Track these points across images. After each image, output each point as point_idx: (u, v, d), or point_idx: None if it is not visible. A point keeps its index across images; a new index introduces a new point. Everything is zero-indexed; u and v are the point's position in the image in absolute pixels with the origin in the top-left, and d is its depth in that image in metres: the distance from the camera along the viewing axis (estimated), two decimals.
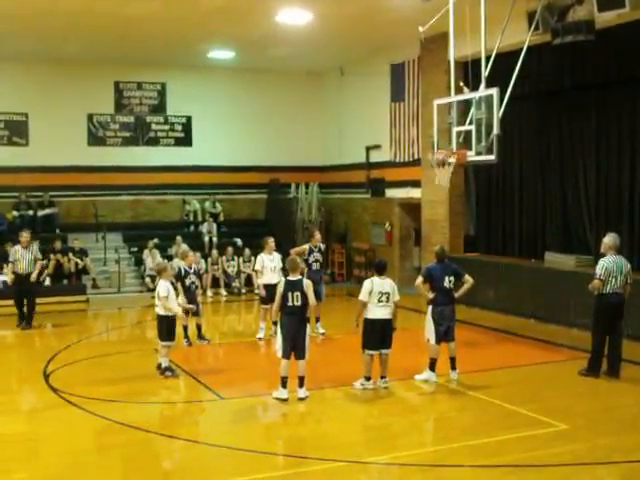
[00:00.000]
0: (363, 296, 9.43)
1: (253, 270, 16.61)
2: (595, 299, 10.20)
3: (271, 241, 13.25)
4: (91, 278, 19.21)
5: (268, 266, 13.00)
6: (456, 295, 10.09)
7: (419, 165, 18.48)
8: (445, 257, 10.19)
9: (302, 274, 9.72)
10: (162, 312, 10.43)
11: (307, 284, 9.15)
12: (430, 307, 10.03)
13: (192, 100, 22.23)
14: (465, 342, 11.76)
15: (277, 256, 13.16)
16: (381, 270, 9.62)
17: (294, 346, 9.07)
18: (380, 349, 9.55)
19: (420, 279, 10.02)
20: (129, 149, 21.77)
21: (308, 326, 9.27)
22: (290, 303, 9.03)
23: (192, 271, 12.61)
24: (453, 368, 10.09)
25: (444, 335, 9.96)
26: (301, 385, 9.20)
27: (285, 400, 9.07)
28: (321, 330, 13.54)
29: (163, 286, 10.43)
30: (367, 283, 9.49)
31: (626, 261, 10.24)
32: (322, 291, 13.52)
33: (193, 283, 12.57)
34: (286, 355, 9.08)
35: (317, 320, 13.59)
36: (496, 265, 16.17)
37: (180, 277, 12.49)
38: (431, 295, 9.97)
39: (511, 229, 17.30)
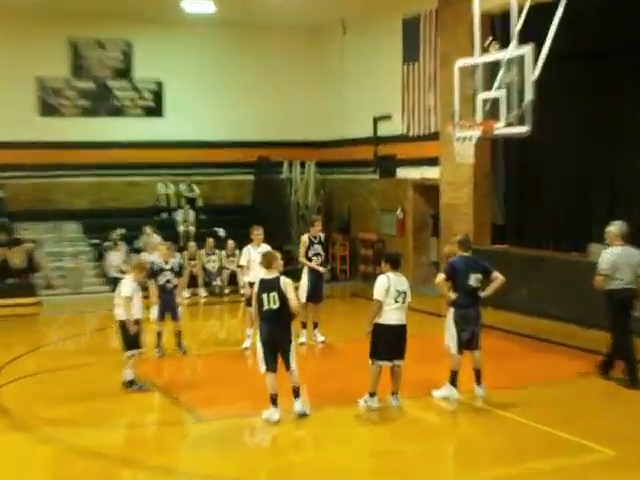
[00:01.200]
0: (379, 294, 9.40)
1: (238, 266, 16.57)
2: (605, 297, 10.44)
3: (258, 231, 13.25)
4: (44, 276, 19.20)
5: (256, 260, 12.98)
6: (482, 295, 10.07)
7: (437, 139, 18.44)
8: (470, 249, 10.19)
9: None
10: (124, 316, 10.42)
11: (286, 283, 9.13)
12: (451, 309, 10.03)
13: (164, 62, 22.16)
14: (492, 351, 11.75)
15: (267, 249, 13.11)
16: (396, 264, 9.62)
17: (277, 356, 9.09)
18: (393, 360, 9.56)
19: (442, 276, 10.01)
20: (89, 121, 21.70)
21: (292, 331, 9.29)
22: (266, 306, 9.05)
23: (169, 267, 12.60)
24: (478, 383, 10.08)
25: (468, 343, 9.96)
26: (297, 396, 9.23)
27: (277, 422, 9.06)
28: (320, 337, 13.54)
29: (128, 285, 10.42)
30: (383, 279, 9.47)
31: (637, 251, 10.35)
32: (322, 291, 13.51)
33: (169, 282, 12.56)
34: (270, 368, 9.08)
35: (315, 326, 13.59)
36: (529, 259, 16.17)
37: (153, 273, 12.48)
38: (453, 295, 9.96)
39: (548, 216, 17.27)
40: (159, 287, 12.51)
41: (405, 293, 9.49)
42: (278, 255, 9.49)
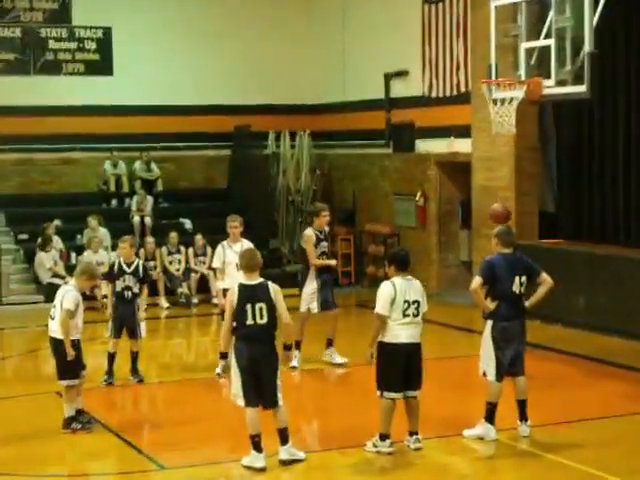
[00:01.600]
0: (382, 308, 9.40)
1: (210, 268, 16.56)
2: None
3: (235, 222, 13.25)
4: None
5: (232, 262, 13.02)
6: (527, 304, 10.10)
7: (467, 102, 18.45)
8: (513, 245, 10.22)
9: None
10: (60, 334, 10.38)
11: (276, 291, 9.16)
12: (489, 322, 10.05)
13: (113, 4, 22.14)
14: (540, 377, 11.76)
15: (247, 245, 13.15)
16: (405, 265, 9.61)
17: (259, 389, 9.06)
18: (406, 390, 9.56)
19: (478, 280, 10.00)
20: (14, 80, 21.67)
21: (279, 357, 9.28)
22: (250, 321, 9.04)
23: (130, 270, 12.63)
24: (523, 418, 10.09)
25: (509, 366, 9.99)
26: (284, 441, 9.22)
27: (261, 469, 9.07)
28: (338, 359, 13.58)
29: (72, 295, 10.41)
30: (386, 288, 9.46)
31: None
32: (330, 297, 13.59)
33: (128, 289, 12.58)
34: (252, 402, 9.09)
35: (330, 344, 13.68)
36: (589, 258, 16.18)
37: (111, 276, 12.51)
38: (491, 305, 10.00)
39: (614, 203, 17.29)
40: (116, 295, 12.50)
41: (418, 303, 9.49)
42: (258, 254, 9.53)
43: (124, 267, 12.64)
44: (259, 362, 9.07)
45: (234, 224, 13.26)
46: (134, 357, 12.86)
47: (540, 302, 10.18)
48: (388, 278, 9.61)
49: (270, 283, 9.22)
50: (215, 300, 15.98)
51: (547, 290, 10.10)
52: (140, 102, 22.33)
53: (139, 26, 22.39)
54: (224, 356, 9.13)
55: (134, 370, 12.88)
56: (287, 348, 13.41)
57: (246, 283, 9.18)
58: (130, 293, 12.58)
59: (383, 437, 9.54)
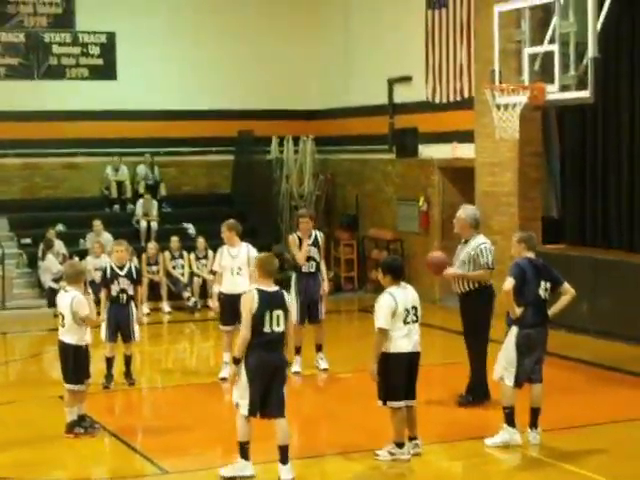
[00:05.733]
0: (384, 322, 9.37)
1: (210, 272, 16.53)
2: None
3: (229, 226, 13.19)
4: None
5: (228, 266, 13.01)
6: (550, 313, 10.16)
7: (471, 107, 18.43)
8: (535, 249, 10.28)
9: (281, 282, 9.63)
10: (73, 340, 10.38)
11: (289, 299, 9.18)
12: (514, 329, 10.03)
13: (116, 9, 22.12)
14: (546, 383, 11.72)
15: (245, 250, 13.12)
16: (399, 273, 9.64)
17: (265, 398, 8.96)
18: (405, 399, 9.53)
19: (512, 281, 9.91)
20: (18, 84, 21.66)
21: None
22: (267, 329, 8.94)
23: (124, 272, 12.60)
24: (533, 425, 10.08)
25: (530, 373, 10.01)
26: (284, 460, 9.02)
27: (251, 477, 8.97)
28: (323, 364, 13.55)
29: (83, 300, 10.37)
30: (386, 301, 9.42)
31: None
32: (321, 307, 13.50)
33: (124, 292, 12.55)
34: (254, 412, 8.97)
35: (319, 349, 13.60)
36: (593, 263, 16.13)
37: (105, 281, 12.47)
38: (518, 310, 9.97)
39: (618, 209, 17.26)
40: (111, 299, 12.47)
41: (416, 309, 9.53)
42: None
43: (117, 270, 12.61)
44: (274, 370, 8.96)
45: (228, 226, 13.21)
46: (127, 360, 12.86)
47: (562, 312, 10.23)
48: (383, 289, 9.59)
49: (284, 291, 9.21)
50: (210, 303, 16.02)
51: (570, 300, 10.18)
52: (144, 107, 22.31)
53: (142, 31, 22.38)
54: (236, 362, 9.00)
55: (127, 374, 12.84)
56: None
57: (264, 289, 9.02)
58: (125, 296, 12.57)
59: (400, 445, 9.53)
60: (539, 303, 9.97)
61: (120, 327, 12.63)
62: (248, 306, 8.91)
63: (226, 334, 13.13)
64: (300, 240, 13.49)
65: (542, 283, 9.98)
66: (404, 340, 9.41)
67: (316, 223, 13.97)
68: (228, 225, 13.28)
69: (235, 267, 12.99)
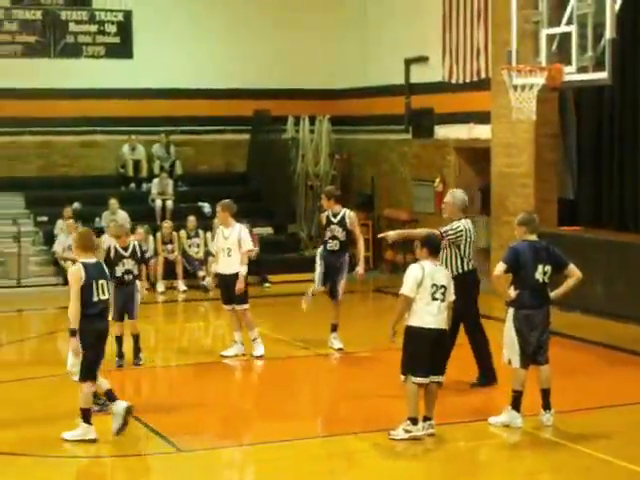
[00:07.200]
0: (408, 289, 9.41)
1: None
2: None
3: (223, 206, 13.19)
4: None
5: (221, 246, 13.07)
6: (553, 295, 10.06)
7: (487, 88, 18.36)
8: (537, 231, 10.18)
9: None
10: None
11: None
12: (511, 310, 10.00)
13: None
14: (559, 365, 11.66)
15: (237, 230, 13.13)
16: (437, 250, 9.76)
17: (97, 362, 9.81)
18: (430, 375, 9.53)
19: (502, 267, 9.92)
20: (34, 62, 21.65)
21: None
22: (96, 298, 9.51)
23: (128, 253, 12.62)
24: (546, 407, 10.03)
25: (533, 354, 9.95)
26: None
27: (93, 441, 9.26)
28: (337, 344, 13.57)
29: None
30: (414, 270, 9.48)
31: None
32: (339, 287, 13.48)
33: (129, 272, 12.58)
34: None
35: (334, 329, 13.62)
36: (608, 245, 16.11)
37: (108, 262, 12.44)
38: (513, 293, 9.94)
39: (634, 190, 17.21)
40: (116, 279, 12.40)
41: (445, 288, 9.49)
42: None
43: (121, 251, 12.62)
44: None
45: (223, 207, 13.25)
46: (135, 339, 12.84)
47: (567, 294, 10.15)
48: (417, 261, 9.64)
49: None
50: (203, 282, 16.24)
51: (575, 282, 10.07)
52: (160, 85, 22.28)
53: (159, 9, 22.34)
54: (73, 334, 9.46)
55: (136, 352, 12.81)
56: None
57: (87, 262, 9.58)
58: (131, 276, 12.60)
59: (414, 420, 9.50)
60: (537, 286, 9.87)
61: (126, 306, 12.66)
62: (76, 279, 9.47)
63: (232, 313, 13.23)
64: (328, 220, 13.52)
65: (540, 267, 9.86)
66: (428, 316, 9.41)
67: (340, 202, 13.85)
68: (222, 205, 13.30)
69: (225, 248, 13.01)
